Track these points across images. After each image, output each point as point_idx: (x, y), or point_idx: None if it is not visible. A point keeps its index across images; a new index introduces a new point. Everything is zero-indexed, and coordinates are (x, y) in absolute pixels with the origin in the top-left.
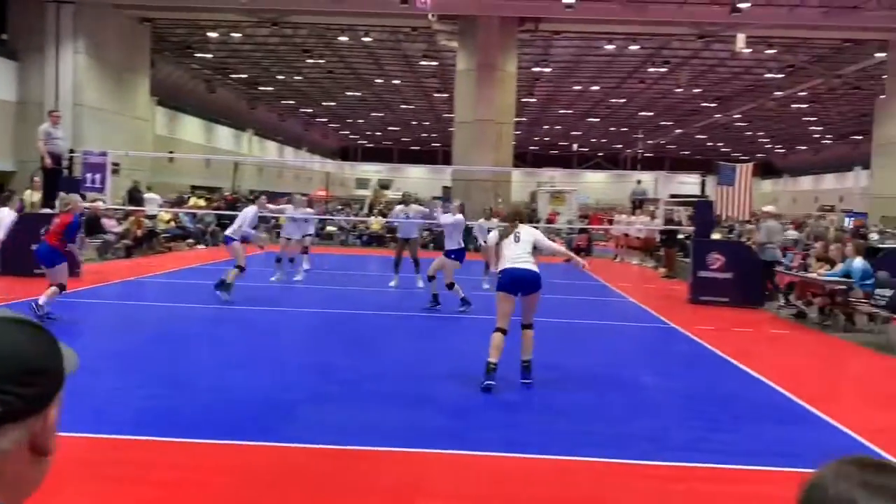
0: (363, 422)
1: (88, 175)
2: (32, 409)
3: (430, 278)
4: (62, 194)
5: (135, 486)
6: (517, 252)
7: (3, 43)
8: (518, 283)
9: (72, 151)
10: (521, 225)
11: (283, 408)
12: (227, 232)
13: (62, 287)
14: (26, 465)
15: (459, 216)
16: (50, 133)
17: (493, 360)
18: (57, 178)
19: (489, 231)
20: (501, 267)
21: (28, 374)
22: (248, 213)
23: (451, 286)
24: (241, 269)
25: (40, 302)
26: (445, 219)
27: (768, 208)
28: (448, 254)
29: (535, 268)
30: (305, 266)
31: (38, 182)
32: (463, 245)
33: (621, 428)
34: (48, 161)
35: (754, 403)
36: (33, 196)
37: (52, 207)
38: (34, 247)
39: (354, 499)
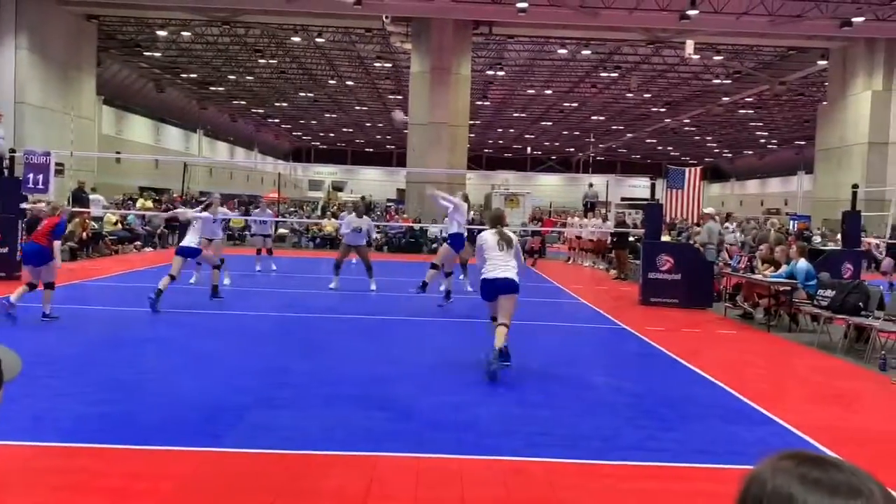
0: (313, 426)
1: (31, 175)
2: None
3: (448, 274)
4: (50, 198)
5: (79, 495)
6: (504, 259)
7: None
8: (500, 290)
9: (12, 151)
10: (505, 230)
11: (233, 413)
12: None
13: (52, 285)
14: None
15: (461, 202)
16: None
17: (498, 345)
18: None
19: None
20: (484, 274)
21: None
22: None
23: (435, 266)
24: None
25: (12, 299)
26: (447, 203)
27: (709, 210)
28: (447, 238)
29: (515, 276)
30: (257, 268)
31: None
32: (462, 231)
33: (573, 428)
34: None
35: (702, 402)
36: None
37: None
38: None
39: (306, 503)
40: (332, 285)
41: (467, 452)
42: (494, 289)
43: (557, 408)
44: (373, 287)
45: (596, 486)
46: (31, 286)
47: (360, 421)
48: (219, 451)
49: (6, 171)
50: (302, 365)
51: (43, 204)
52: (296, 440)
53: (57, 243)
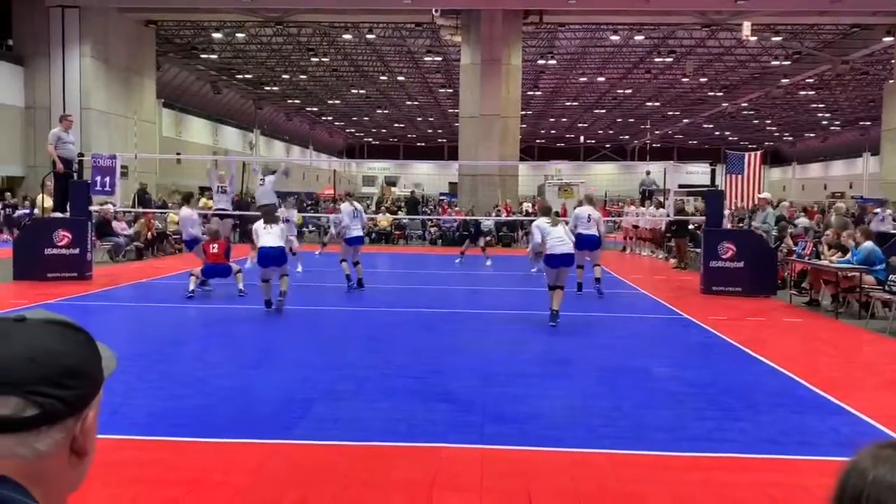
0: (377, 417)
1: (98, 178)
2: (70, 410)
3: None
4: (207, 226)
5: (156, 487)
6: (560, 235)
7: (10, 48)
8: (562, 260)
9: (81, 155)
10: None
11: (299, 405)
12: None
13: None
14: (65, 466)
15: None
16: (61, 137)
17: (555, 307)
18: (67, 182)
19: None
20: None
21: (65, 375)
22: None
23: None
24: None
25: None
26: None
27: (765, 195)
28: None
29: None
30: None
31: (50, 186)
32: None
33: (637, 419)
34: (60, 166)
35: (770, 392)
36: (46, 201)
37: (64, 212)
38: None
39: (372, 494)
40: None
41: (531, 444)
42: (561, 258)
43: (621, 399)
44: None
45: (663, 478)
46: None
47: (423, 413)
48: (287, 443)
49: (76, 175)
50: (365, 358)
51: (109, 206)
52: (360, 432)
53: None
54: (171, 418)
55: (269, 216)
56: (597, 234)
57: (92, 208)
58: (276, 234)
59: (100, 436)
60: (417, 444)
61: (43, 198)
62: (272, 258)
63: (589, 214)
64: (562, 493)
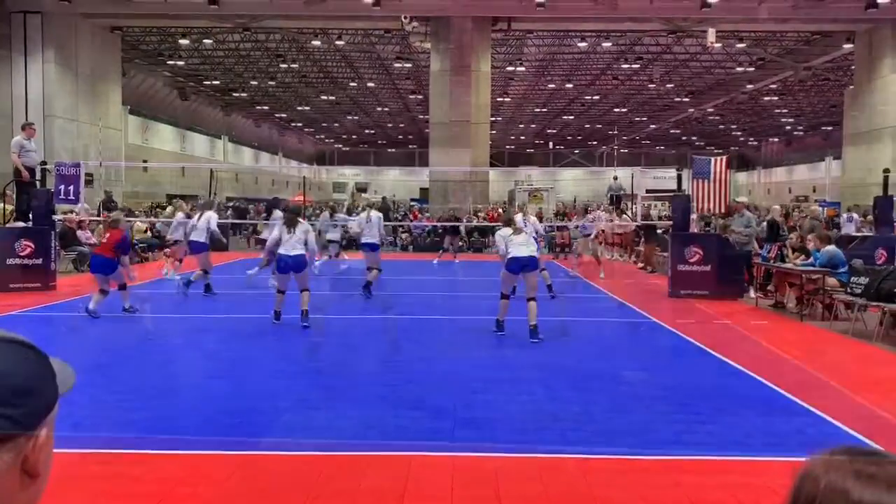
0: (347, 426)
1: (62, 187)
2: (20, 429)
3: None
4: (112, 213)
5: (121, 502)
6: (521, 242)
7: None
8: (522, 263)
9: (43, 163)
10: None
11: (268, 415)
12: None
13: (125, 286)
14: (16, 488)
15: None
16: (24, 146)
17: (501, 318)
18: (30, 190)
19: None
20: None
21: (16, 394)
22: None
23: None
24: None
25: (126, 306)
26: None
27: (741, 199)
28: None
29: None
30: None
31: (11, 195)
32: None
33: (606, 423)
34: (25, 174)
35: (737, 394)
36: (5, 208)
37: (27, 220)
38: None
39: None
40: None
41: (501, 450)
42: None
43: (590, 403)
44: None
45: (632, 481)
46: (104, 292)
47: (394, 420)
48: (256, 454)
49: (38, 184)
50: (337, 365)
51: (73, 214)
52: (331, 441)
53: (125, 257)
54: (137, 431)
55: (291, 220)
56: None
57: (56, 217)
58: (295, 241)
59: (62, 450)
60: (388, 452)
61: (4, 207)
62: (291, 266)
63: (524, 221)
64: (532, 498)
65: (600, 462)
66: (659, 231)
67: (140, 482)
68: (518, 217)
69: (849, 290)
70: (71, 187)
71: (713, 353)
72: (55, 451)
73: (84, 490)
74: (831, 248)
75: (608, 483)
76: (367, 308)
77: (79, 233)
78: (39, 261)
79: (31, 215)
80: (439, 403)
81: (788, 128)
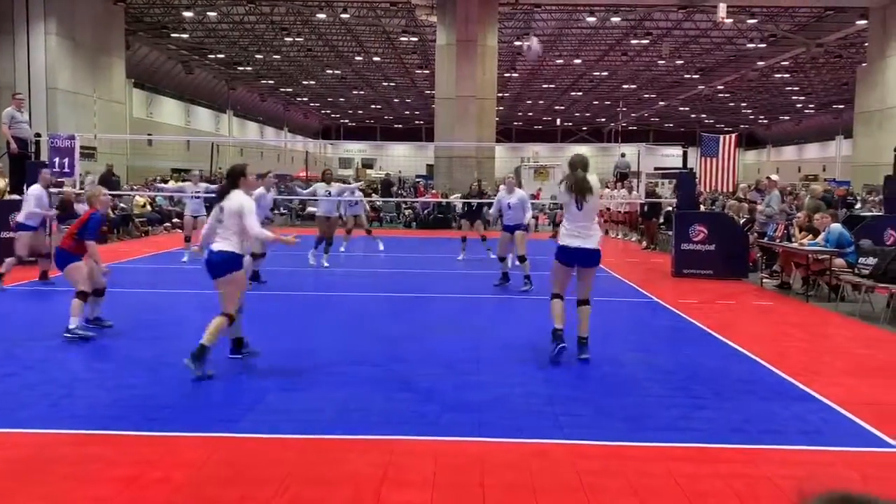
0: (331, 408)
1: (56, 160)
2: None
3: (502, 259)
4: (87, 187)
5: (89, 485)
6: (582, 222)
7: None
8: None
9: (37, 135)
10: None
11: (252, 395)
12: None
13: (85, 295)
14: None
15: (522, 192)
16: (14, 117)
17: (558, 325)
18: (24, 163)
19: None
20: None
21: None
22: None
23: (522, 259)
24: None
25: (70, 326)
26: (511, 198)
27: (774, 177)
28: (518, 227)
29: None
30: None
31: (3, 169)
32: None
33: (600, 407)
34: (14, 146)
35: (737, 378)
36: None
37: (21, 194)
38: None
39: (317, 492)
40: (324, 263)
41: (489, 435)
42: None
43: (584, 387)
44: (325, 264)
45: (622, 469)
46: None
47: (380, 403)
48: (234, 437)
49: (32, 156)
50: (326, 345)
51: (69, 188)
52: (312, 424)
53: (91, 243)
54: (114, 410)
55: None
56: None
57: (51, 190)
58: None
59: (35, 430)
60: (371, 436)
61: None
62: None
63: (506, 191)
64: (517, 486)
65: (591, 448)
66: (668, 209)
67: (111, 464)
68: (502, 189)
69: (856, 271)
70: (66, 160)
71: (715, 334)
72: (31, 430)
73: (52, 473)
74: (836, 226)
75: (598, 471)
76: (361, 285)
77: (76, 206)
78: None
79: (24, 188)
80: (428, 386)
81: (799, 106)
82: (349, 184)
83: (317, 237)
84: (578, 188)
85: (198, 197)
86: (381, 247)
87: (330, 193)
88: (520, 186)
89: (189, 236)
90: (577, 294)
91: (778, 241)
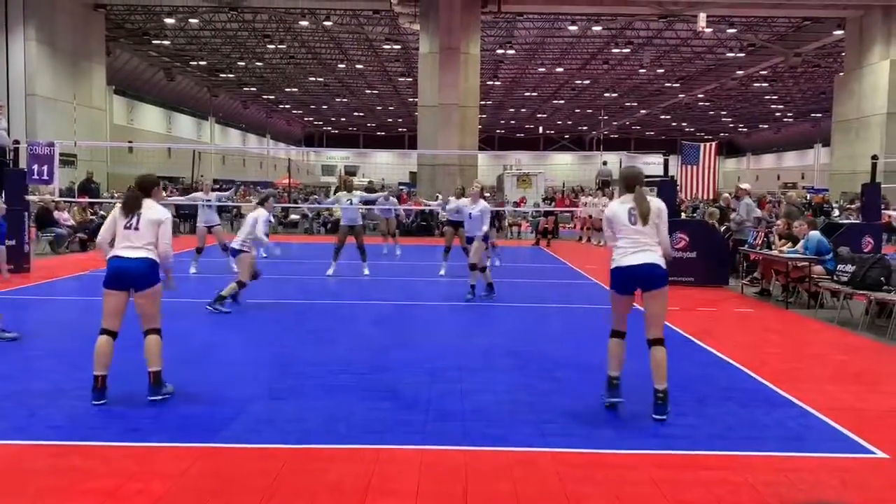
0: (315, 418)
1: (35, 167)
2: None
3: (473, 266)
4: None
5: (66, 498)
6: (638, 238)
7: None
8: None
9: (16, 142)
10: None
11: (234, 405)
12: (235, 244)
13: None
14: None
15: (485, 204)
16: None
17: (613, 373)
18: (1, 170)
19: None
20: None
21: None
22: (259, 217)
23: (473, 267)
24: (242, 284)
25: None
26: (474, 209)
27: (745, 186)
28: (475, 237)
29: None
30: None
31: None
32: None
33: (584, 415)
34: None
35: (718, 385)
36: None
37: None
38: None
39: (302, 500)
40: (328, 271)
41: (473, 443)
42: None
43: (568, 395)
44: (365, 272)
45: (606, 477)
46: None
47: (364, 412)
48: (216, 447)
49: (10, 164)
50: (309, 353)
51: (48, 196)
52: (296, 433)
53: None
54: (94, 420)
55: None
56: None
57: (30, 198)
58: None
59: (12, 442)
60: (355, 445)
61: None
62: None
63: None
64: (500, 495)
65: (574, 456)
66: None
67: (90, 476)
68: (465, 200)
69: (835, 278)
70: (45, 167)
71: (696, 341)
72: (7, 442)
73: (29, 485)
74: (815, 234)
75: (581, 479)
76: (344, 293)
77: (55, 213)
78: (13, 242)
79: (2, 195)
80: (413, 394)
81: (778, 115)
82: (377, 192)
83: (335, 246)
84: (642, 211)
85: (209, 206)
86: (399, 253)
87: (352, 202)
88: (499, 194)
89: (201, 247)
90: (647, 331)
91: (758, 248)
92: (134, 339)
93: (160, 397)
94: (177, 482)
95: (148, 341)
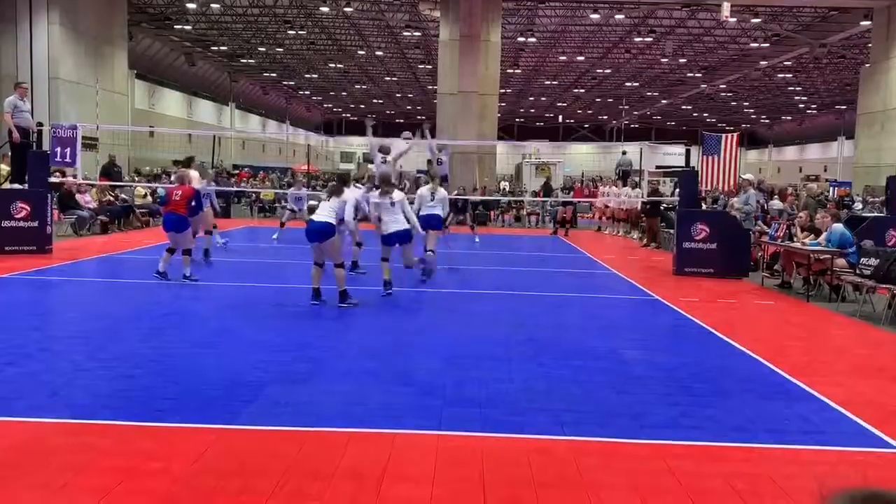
0: (332, 401)
1: (58, 149)
2: None
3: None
4: (179, 169)
5: (84, 476)
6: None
7: None
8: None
9: (39, 125)
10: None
11: (251, 388)
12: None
13: (189, 251)
14: None
15: (443, 192)
16: (17, 106)
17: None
18: (25, 152)
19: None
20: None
21: None
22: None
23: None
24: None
25: (186, 273)
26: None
27: (747, 176)
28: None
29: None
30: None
31: (7, 157)
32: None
33: (602, 404)
34: (17, 135)
35: (739, 377)
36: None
37: (22, 183)
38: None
39: (317, 485)
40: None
41: (490, 430)
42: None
43: (586, 383)
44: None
45: (624, 466)
46: (171, 251)
47: (380, 396)
48: (233, 429)
49: (34, 146)
50: (326, 338)
51: (70, 177)
52: (313, 417)
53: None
54: (114, 400)
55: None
56: (440, 213)
57: (52, 180)
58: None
59: (34, 419)
60: (372, 429)
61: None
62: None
63: (433, 193)
64: (517, 482)
65: (592, 445)
66: (663, 207)
67: (110, 454)
68: (426, 189)
69: (858, 272)
70: (68, 150)
71: (716, 333)
72: (29, 419)
73: (50, 462)
74: (838, 226)
75: (599, 468)
76: (361, 279)
77: (78, 196)
78: (35, 223)
79: (26, 177)
80: (430, 380)
81: (801, 106)
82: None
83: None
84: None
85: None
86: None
87: (434, 196)
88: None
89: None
90: None
91: (779, 241)
92: (159, 322)
93: (346, 305)
94: (196, 462)
95: (336, 272)
